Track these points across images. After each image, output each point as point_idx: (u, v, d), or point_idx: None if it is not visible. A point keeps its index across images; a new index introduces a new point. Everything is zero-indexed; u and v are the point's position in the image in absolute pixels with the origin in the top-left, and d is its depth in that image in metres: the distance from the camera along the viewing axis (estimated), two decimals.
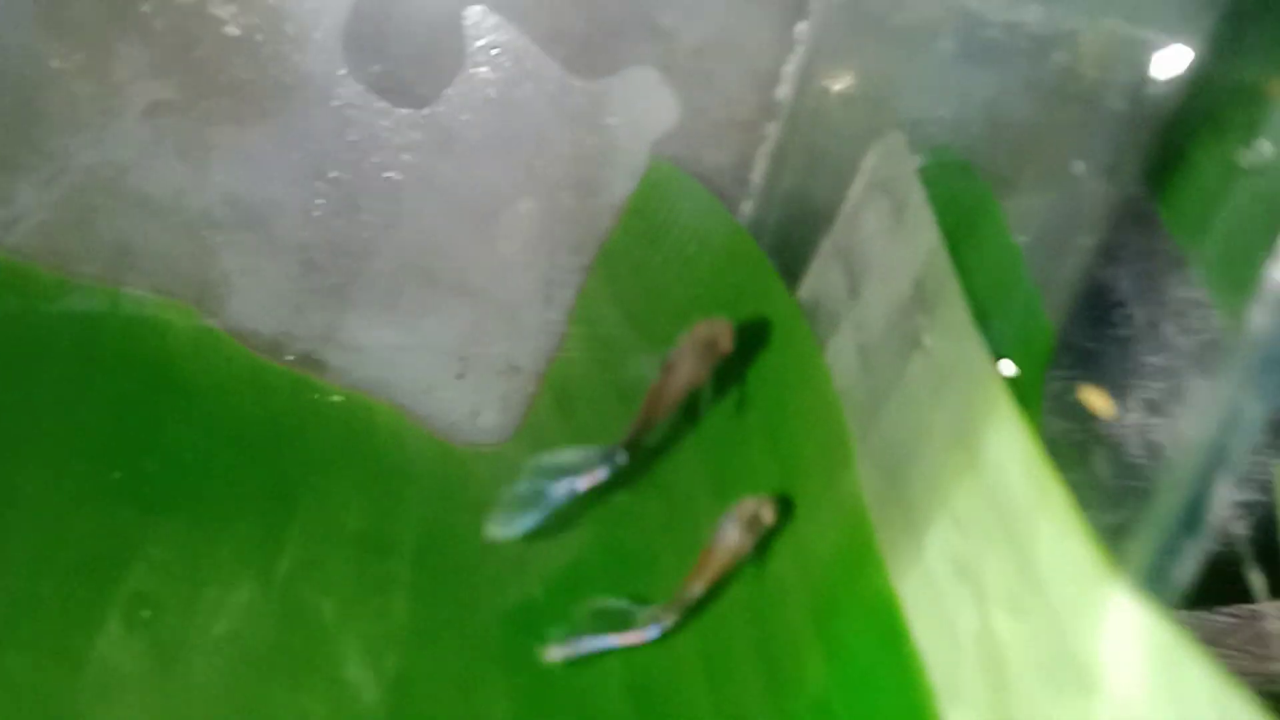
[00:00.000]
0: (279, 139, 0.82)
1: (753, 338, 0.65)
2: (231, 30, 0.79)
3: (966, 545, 0.46)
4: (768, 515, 0.57)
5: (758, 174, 0.85)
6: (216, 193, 0.82)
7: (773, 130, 0.84)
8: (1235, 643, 0.62)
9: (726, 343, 0.61)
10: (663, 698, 0.61)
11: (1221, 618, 0.64)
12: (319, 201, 0.83)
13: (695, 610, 0.60)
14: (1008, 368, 0.44)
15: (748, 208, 0.84)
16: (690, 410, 0.65)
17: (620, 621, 0.61)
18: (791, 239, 0.80)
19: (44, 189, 0.81)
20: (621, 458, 0.62)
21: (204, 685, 0.60)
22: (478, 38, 0.82)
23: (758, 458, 0.62)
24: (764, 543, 0.58)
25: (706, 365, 0.61)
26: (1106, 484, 0.42)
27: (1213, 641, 0.64)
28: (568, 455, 0.62)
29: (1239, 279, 0.36)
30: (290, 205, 0.83)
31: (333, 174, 0.83)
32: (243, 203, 0.83)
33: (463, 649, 0.67)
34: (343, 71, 0.82)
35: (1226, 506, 0.37)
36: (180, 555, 0.67)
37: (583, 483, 0.61)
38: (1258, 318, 0.35)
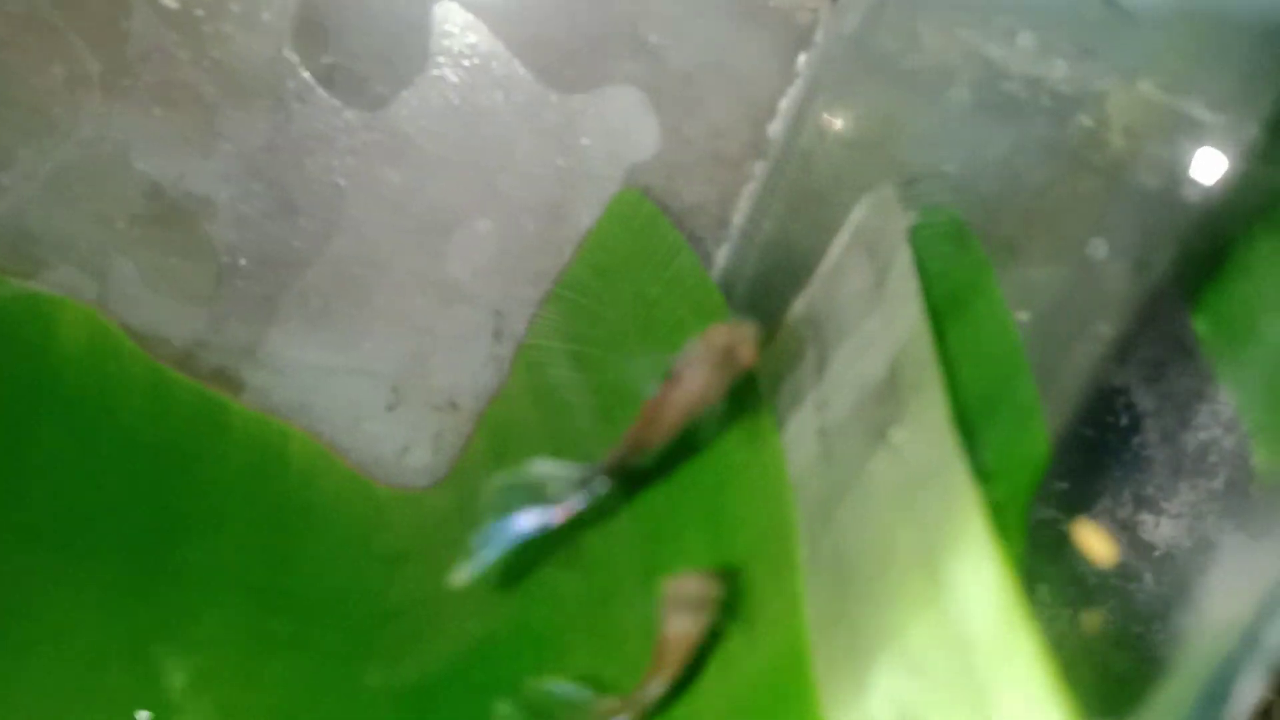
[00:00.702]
0: (213, 128, 0.74)
1: None
2: (168, 2, 0.71)
3: (918, 695, 0.37)
4: (713, 590, 0.48)
5: (739, 216, 0.76)
6: (137, 181, 0.74)
7: (760, 169, 0.76)
8: None
9: (748, 353, 0.50)
10: None
11: None
12: (251, 200, 0.75)
13: (661, 709, 0.51)
14: (993, 492, 0.35)
15: (724, 253, 0.76)
16: (693, 436, 0.54)
17: (567, 713, 0.52)
18: (768, 292, 0.72)
19: None
20: (601, 485, 0.52)
21: None
22: (445, 37, 0.74)
23: (694, 544, 0.54)
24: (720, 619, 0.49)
25: (720, 380, 0.50)
26: (1099, 647, 0.34)
27: None
28: (540, 471, 0.52)
29: None
30: (218, 203, 0.75)
31: (270, 173, 0.75)
32: (165, 195, 0.74)
33: None
34: (292, 60, 0.73)
35: (1251, 703, 0.28)
36: (30, 593, 0.59)
37: (556, 515, 0.52)
38: None
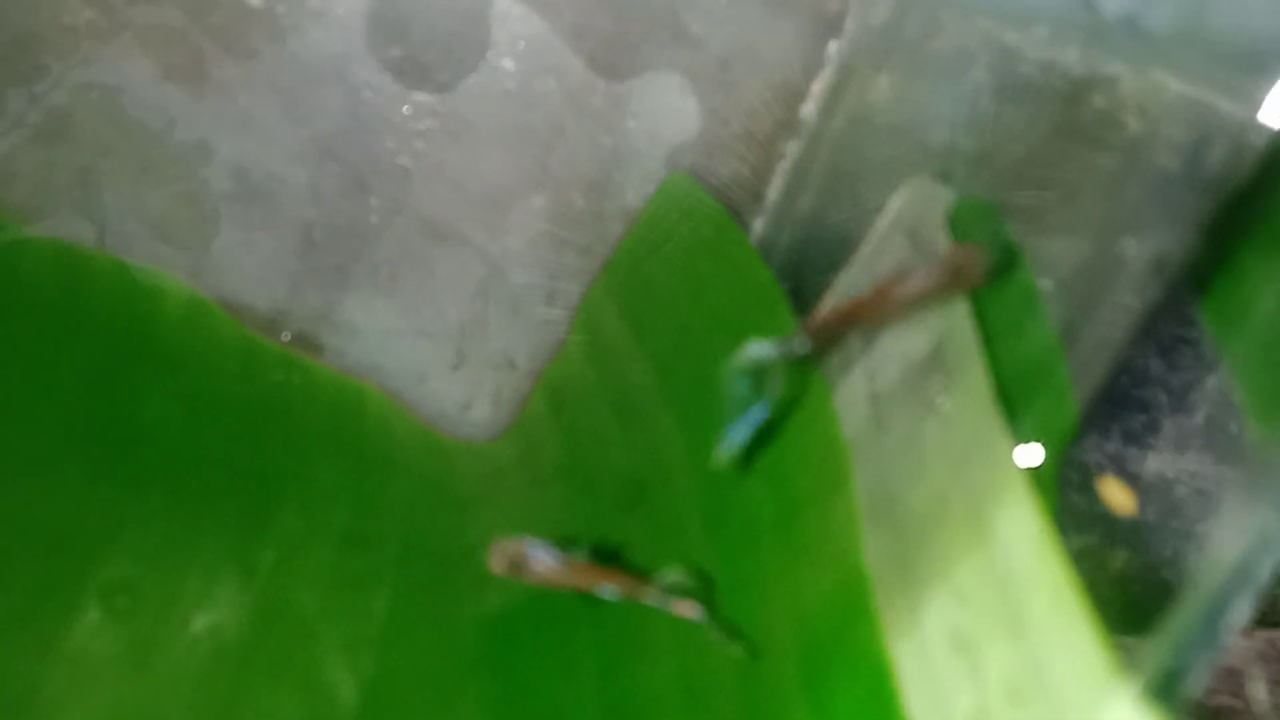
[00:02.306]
0: (291, 114, 0.80)
1: None
2: (253, 2, 0.77)
3: (967, 620, 0.45)
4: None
5: (774, 191, 0.83)
6: (222, 163, 0.80)
7: (793, 149, 0.83)
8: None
9: (977, 276, 0.54)
10: None
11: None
12: (326, 180, 0.82)
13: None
14: (1030, 453, 0.43)
15: (759, 225, 0.83)
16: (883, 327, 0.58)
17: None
18: (802, 262, 0.79)
19: (34, 146, 0.79)
20: (802, 346, 0.57)
21: (179, 680, 0.59)
22: (502, 27, 0.80)
23: (755, 491, 0.61)
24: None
25: (942, 288, 0.54)
26: (1122, 581, 0.42)
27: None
28: (754, 352, 0.57)
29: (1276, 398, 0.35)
30: (297, 181, 0.82)
31: (343, 154, 0.81)
32: (248, 175, 0.81)
33: (440, 653, 0.66)
34: (363, 51, 0.80)
35: (1242, 622, 0.36)
36: (161, 540, 0.66)
37: (774, 390, 0.58)
38: None
